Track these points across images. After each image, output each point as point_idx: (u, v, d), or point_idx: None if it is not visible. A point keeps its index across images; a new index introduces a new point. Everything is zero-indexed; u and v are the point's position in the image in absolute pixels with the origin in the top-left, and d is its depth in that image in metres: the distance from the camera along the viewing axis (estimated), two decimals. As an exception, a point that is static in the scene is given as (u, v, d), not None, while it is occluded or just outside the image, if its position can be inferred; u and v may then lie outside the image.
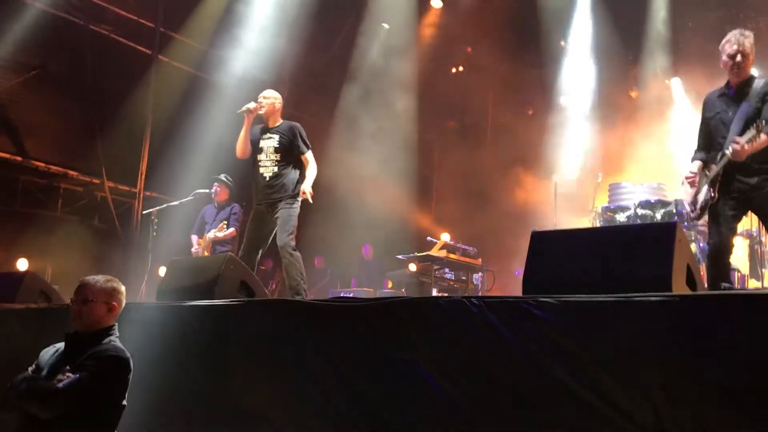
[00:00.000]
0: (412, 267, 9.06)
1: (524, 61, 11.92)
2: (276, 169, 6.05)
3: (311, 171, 6.13)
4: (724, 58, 4.60)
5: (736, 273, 7.49)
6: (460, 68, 13.55)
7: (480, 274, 9.52)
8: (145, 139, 10.23)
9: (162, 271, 7.66)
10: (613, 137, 11.35)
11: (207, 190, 8.25)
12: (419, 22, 12.44)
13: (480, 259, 9.30)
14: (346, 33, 12.18)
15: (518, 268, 10.23)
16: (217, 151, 9.76)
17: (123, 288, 3.59)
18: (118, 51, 10.21)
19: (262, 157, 6.10)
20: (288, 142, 6.11)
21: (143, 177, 10.25)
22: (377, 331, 3.50)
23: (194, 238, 8.14)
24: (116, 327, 3.52)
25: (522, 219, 11.31)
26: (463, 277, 9.28)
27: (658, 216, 7.91)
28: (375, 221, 11.91)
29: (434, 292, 8.91)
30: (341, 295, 9.45)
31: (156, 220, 8.33)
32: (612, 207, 8.50)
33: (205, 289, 4.69)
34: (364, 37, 12.10)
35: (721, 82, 4.94)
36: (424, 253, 8.71)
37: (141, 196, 10.19)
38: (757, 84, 4.57)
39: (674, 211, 7.85)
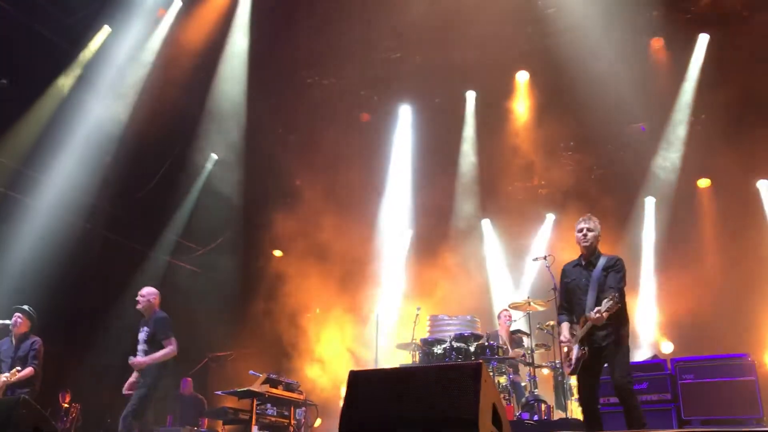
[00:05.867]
0: (233, 403, 8.69)
1: (347, 194, 12.42)
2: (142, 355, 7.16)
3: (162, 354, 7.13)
4: (576, 234, 5.87)
5: (543, 404, 7.96)
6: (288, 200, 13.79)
7: (303, 409, 9.31)
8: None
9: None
10: (431, 270, 11.96)
11: (6, 321, 7.53)
12: (249, 156, 12.66)
13: (303, 394, 9.12)
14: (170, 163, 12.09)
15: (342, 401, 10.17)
16: (21, 279, 9.10)
17: None
18: None
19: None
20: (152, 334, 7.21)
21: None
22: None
23: None
24: None
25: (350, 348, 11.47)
26: (286, 413, 9.00)
27: (472, 348, 8.32)
28: (195, 354, 11.44)
29: (255, 430, 8.55)
30: (153, 436, 8.82)
31: (-58, 356, 7.41)
32: (430, 339, 8.83)
33: (-10, 439, 4.20)
34: (185, 174, 12.12)
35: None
36: (245, 389, 8.38)
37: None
38: (603, 259, 5.76)
39: (486, 343, 8.32)
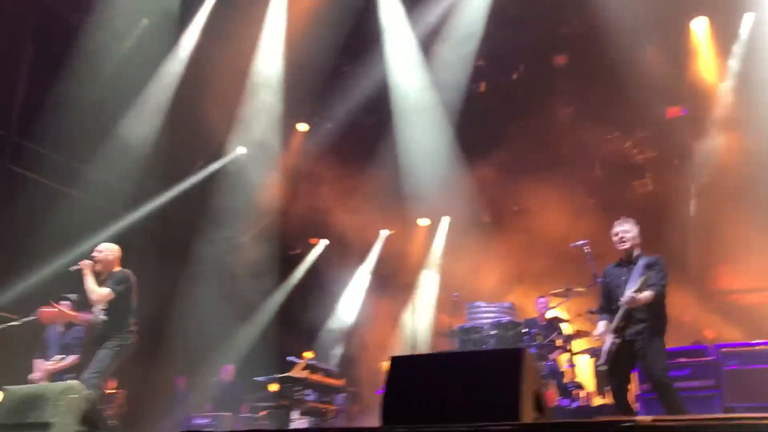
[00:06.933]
0: (273, 389, 8.79)
1: (383, 183, 12.41)
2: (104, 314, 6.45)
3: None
4: (613, 238, 5.88)
5: (582, 391, 7.90)
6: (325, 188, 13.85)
7: (343, 395, 9.39)
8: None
9: (-5, 399, 6.96)
10: (469, 257, 11.91)
11: (53, 309, 7.71)
12: (284, 146, 12.74)
13: (344, 380, 9.19)
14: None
15: (381, 388, 10.24)
16: (67, 269, 9.30)
17: None
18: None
19: None
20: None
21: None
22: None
23: (37, 362, 7.53)
24: None
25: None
26: (326, 399, 9.07)
27: (510, 335, 8.28)
28: (236, 340, 11.62)
29: (295, 416, 8.65)
30: (195, 421, 8.98)
31: (-8, 343, 7.64)
32: (467, 327, 8.81)
33: (40, 422, 4.33)
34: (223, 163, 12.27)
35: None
36: (285, 374, 8.47)
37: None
38: (644, 258, 5.74)
39: (524, 331, 8.27)
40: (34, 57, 9.98)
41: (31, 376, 7.37)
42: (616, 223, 5.92)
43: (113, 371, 6.47)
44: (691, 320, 10.36)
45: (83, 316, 6.84)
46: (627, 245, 5.78)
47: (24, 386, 6.51)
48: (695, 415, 3.40)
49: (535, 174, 11.84)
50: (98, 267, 6.52)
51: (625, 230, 5.82)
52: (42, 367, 7.42)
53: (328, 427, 7.86)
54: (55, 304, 7.51)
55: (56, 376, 7.27)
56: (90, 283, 6.35)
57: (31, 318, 7.59)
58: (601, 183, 12.12)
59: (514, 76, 12.16)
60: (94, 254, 6.56)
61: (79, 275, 6.44)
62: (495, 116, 12.33)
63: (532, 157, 12.12)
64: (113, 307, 6.42)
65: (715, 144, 11.00)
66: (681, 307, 9.80)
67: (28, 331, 7.84)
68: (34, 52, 9.97)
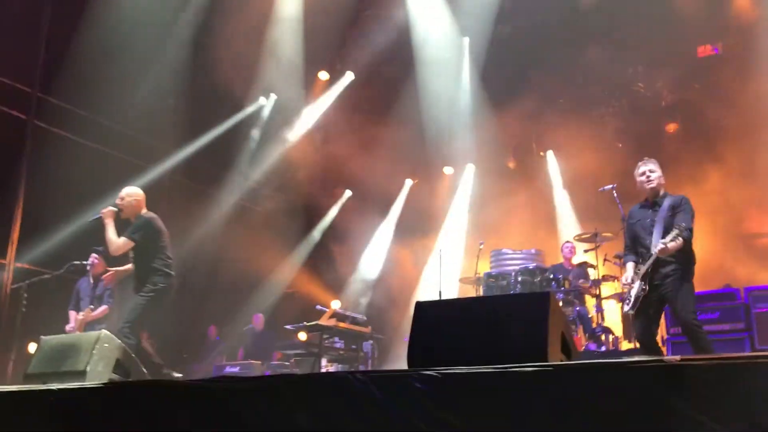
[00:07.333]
0: (302, 337, 8.93)
1: (407, 132, 12.28)
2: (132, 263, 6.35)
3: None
4: (638, 178, 5.75)
5: (610, 335, 7.89)
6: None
7: (370, 342, 9.51)
8: (17, 207, 9.68)
9: (32, 348, 7.19)
10: (494, 205, 11.83)
11: (84, 262, 7.87)
12: (306, 95, 12.64)
13: (370, 327, 9.28)
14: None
15: (407, 335, 10.33)
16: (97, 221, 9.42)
17: None
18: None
19: None
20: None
21: (14, 247, 9.62)
22: (261, 412, 3.39)
23: (72, 314, 7.72)
24: None
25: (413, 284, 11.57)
26: (353, 346, 9.21)
27: (537, 281, 8.26)
28: (265, 290, 11.76)
29: (323, 362, 8.80)
30: (226, 369, 9.17)
31: (26, 295, 7.83)
32: (494, 273, 8.80)
33: (75, 370, 4.43)
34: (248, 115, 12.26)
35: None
36: (313, 323, 8.59)
37: (11, 267, 9.53)
38: (669, 198, 5.66)
39: (551, 276, 8.24)
40: (54, 12, 9.93)
41: (67, 327, 7.59)
42: (640, 163, 5.83)
43: (151, 317, 6.26)
44: (721, 263, 10.21)
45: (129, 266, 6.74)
46: (653, 184, 5.69)
47: (59, 336, 6.68)
48: (722, 354, 3.37)
49: (562, 118, 11.63)
50: (124, 214, 6.28)
51: (651, 169, 5.72)
52: (75, 317, 7.62)
53: (356, 371, 7.98)
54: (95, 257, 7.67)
55: (89, 326, 7.45)
56: (109, 233, 6.11)
57: (61, 271, 7.75)
58: (630, 125, 11.85)
59: (539, 18, 11.81)
60: (117, 202, 6.31)
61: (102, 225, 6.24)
62: (520, 59, 12.03)
63: (558, 101, 11.87)
64: (137, 254, 6.23)
65: (750, 84, 10.63)
66: (711, 250, 9.69)
67: (63, 284, 8.04)
68: (53, 8, 9.92)
